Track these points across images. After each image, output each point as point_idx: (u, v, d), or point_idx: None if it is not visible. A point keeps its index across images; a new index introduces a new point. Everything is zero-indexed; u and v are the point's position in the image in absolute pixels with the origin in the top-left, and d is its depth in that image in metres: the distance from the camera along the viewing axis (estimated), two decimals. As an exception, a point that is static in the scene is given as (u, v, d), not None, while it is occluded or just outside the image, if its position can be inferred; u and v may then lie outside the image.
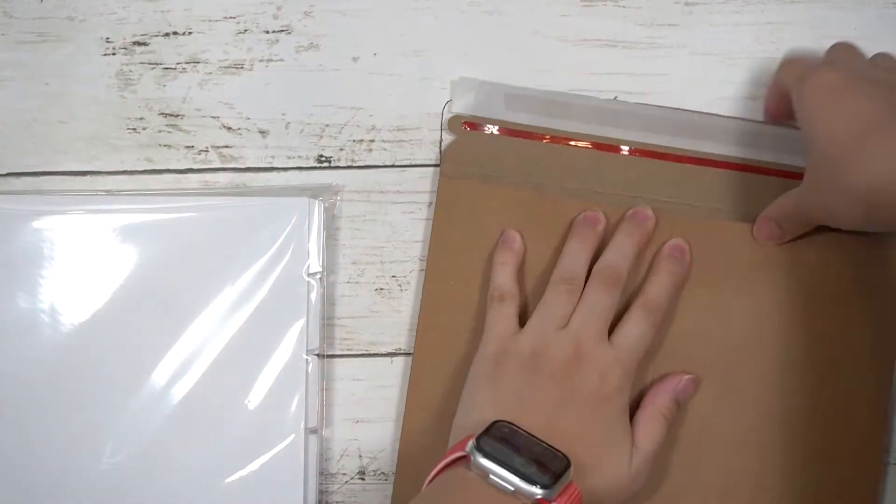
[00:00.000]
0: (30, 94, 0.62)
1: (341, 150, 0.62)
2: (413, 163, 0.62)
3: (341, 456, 0.60)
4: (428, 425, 0.58)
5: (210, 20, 0.63)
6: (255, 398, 0.58)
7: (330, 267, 0.61)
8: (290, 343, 0.58)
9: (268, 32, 0.63)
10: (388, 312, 0.61)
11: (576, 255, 0.57)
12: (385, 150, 0.62)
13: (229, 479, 0.58)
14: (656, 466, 0.55)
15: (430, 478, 0.50)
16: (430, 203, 0.61)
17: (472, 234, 0.59)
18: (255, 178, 0.62)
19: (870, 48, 0.61)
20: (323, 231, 0.60)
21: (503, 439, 0.49)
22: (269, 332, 0.59)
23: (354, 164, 0.62)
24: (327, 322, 0.60)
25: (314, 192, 0.61)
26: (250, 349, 0.58)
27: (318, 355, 0.59)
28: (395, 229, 0.61)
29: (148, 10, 0.63)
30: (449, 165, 0.60)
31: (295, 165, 0.62)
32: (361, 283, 0.61)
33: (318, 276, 0.59)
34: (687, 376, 0.57)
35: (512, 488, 0.47)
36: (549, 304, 0.55)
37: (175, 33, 0.63)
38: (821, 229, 0.57)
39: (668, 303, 0.56)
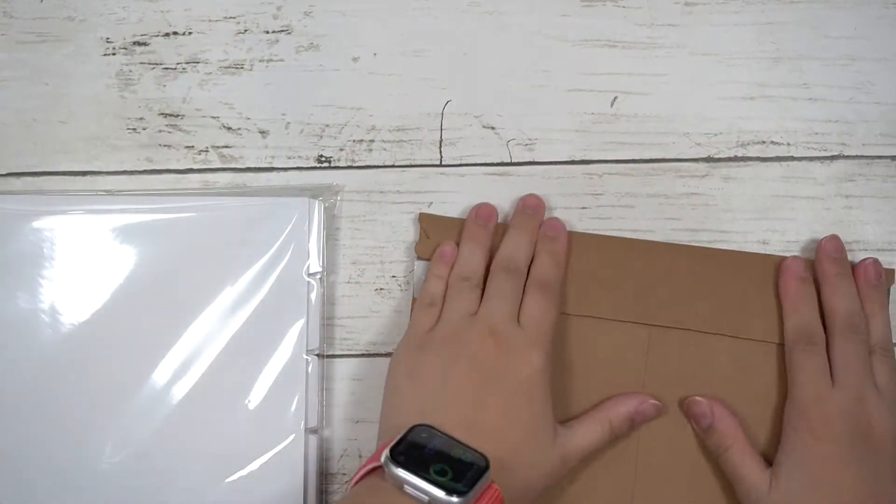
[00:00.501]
0: (30, 94, 0.62)
1: (341, 150, 0.62)
2: (413, 163, 0.62)
3: (341, 456, 0.60)
4: None
5: (210, 20, 0.63)
6: (255, 398, 0.58)
7: (330, 267, 0.61)
8: (290, 343, 0.58)
9: (268, 32, 0.63)
10: (388, 312, 0.61)
11: (471, 254, 0.58)
12: (385, 150, 0.62)
13: (229, 479, 0.58)
14: (578, 468, 0.55)
15: (351, 485, 0.50)
16: (431, 203, 0.61)
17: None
18: (255, 178, 0.62)
19: (870, 48, 0.61)
20: (323, 231, 0.60)
21: (419, 446, 0.48)
22: (269, 332, 0.59)
23: (354, 164, 0.62)
24: (327, 322, 0.60)
25: (314, 192, 0.61)
26: (250, 349, 0.58)
27: (318, 355, 0.59)
28: (394, 229, 0.61)
29: (148, 10, 0.63)
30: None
31: (295, 165, 0.62)
32: (361, 283, 0.61)
33: (319, 276, 0.59)
34: (652, 400, 0.57)
35: (427, 498, 0.46)
36: (454, 300, 0.56)
37: (175, 33, 0.63)
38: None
39: (556, 280, 0.57)
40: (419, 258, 0.60)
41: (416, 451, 0.48)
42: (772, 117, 0.61)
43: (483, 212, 0.59)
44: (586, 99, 0.62)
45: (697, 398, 0.57)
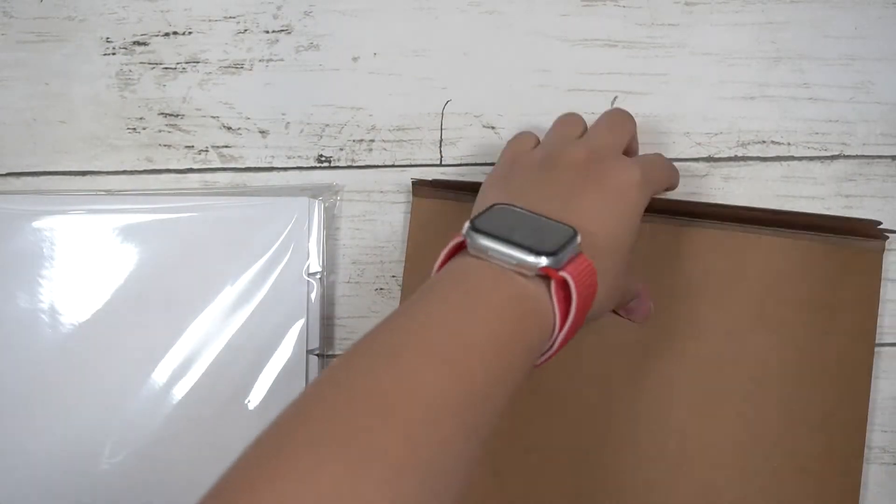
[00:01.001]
0: (30, 94, 0.62)
1: (341, 150, 0.62)
2: (413, 163, 0.62)
3: (341, 456, 0.60)
4: None
5: (210, 20, 0.63)
6: (255, 398, 0.58)
7: (330, 267, 0.61)
8: (290, 343, 0.58)
9: (268, 32, 0.62)
10: (388, 312, 0.60)
11: (574, 118, 0.56)
12: (385, 150, 0.62)
13: (229, 479, 0.58)
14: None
15: (434, 270, 0.46)
16: (430, 203, 0.61)
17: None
18: (255, 178, 0.62)
19: (870, 48, 0.61)
20: (323, 231, 0.60)
21: (503, 218, 0.45)
22: (270, 331, 0.59)
23: (354, 164, 0.62)
24: (327, 322, 0.60)
25: (314, 192, 0.61)
26: (250, 349, 0.58)
27: (318, 355, 0.59)
28: (394, 229, 0.61)
29: (148, 10, 0.63)
30: (421, 191, 0.60)
31: (295, 165, 0.62)
32: (361, 283, 0.61)
33: (318, 275, 0.59)
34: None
35: (514, 262, 0.43)
36: (557, 127, 0.54)
37: (175, 33, 0.63)
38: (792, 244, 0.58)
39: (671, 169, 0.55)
40: (415, 196, 0.60)
41: (500, 222, 0.45)
42: (772, 117, 0.61)
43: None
44: (586, 99, 0.62)
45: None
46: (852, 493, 0.57)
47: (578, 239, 0.44)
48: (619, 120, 0.55)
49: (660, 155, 0.55)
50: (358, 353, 0.41)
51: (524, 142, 0.55)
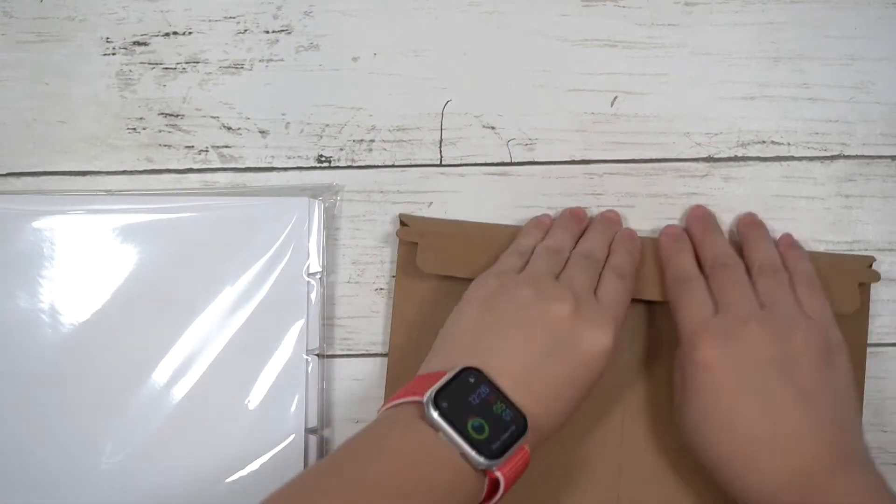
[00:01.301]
0: (30, 94, 0.62)
1: (341, 150, 0.62)
2: (413, 163, 0.62)
3: (341, 456, 0.60)
4: None
5: (210, 20, 0.63)
6: (255, 398, 0.58)
7: (330, 267, 0.61)
8: (290, 343, 0.58)
9: (268, 32, 0.62)
10: (387, 312, 0.61)
11: (561, 233, 0.58)
12: (385, 150, 0.62)
13: (229, 479, 0.58)
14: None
15: (386, 406, 0.49)
16: (431, 203, 0.61)
17: (439, 244, 0.59)
18: (255, 178, 0.62)
19: (870, 48, 0.61)
20: (323, 231, 0.60)
21: (464, 392, 0.48)
22: (269, 332, 0.59)
23: (354, 164, 0.62)
24: (327, 322, 0.60)
25: (314, 192, 0.61)
26: (250, 349, 0.58)
27: (318, 355, 0.59)
28: (395, 229, 0.61)
29: (148, 10, 0.63)
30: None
31: (295, 165, 0.62)
32: (361, 283, 0.61)
33: (318, 276, 0.59)
34: None
35: (459, 451, 0.47)
36: (541, 260, 0.55)
37: (175, 33, 0.63)
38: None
39: (631, 272, 0.57)
40: (402, 240, 0.60)
41: (459, 397, 0.48)
42: (772, 117, 0.61)
43: (577, 211, 0.60)
44: (586, 99, 0.62)
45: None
46: None
47: (526, 436, 0.48)
48: (594, 248, 0.57)
49: (622, 281, 0.56)
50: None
51: (514, 262, 0.56)
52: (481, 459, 0.46)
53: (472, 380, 0.49)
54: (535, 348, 0.51)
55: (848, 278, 0.58)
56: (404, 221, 0.60)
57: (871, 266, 0.60)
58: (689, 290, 0.55)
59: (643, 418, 0.58)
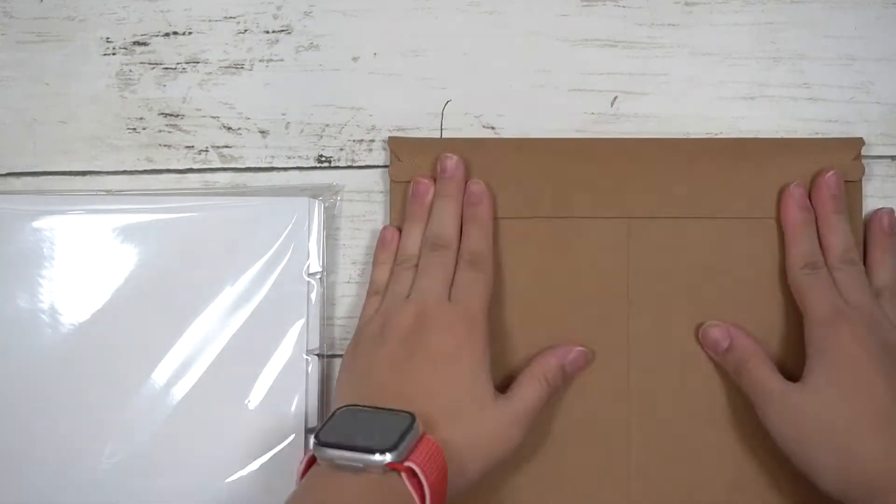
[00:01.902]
0: (30, 94, 0.62)
1: (341, 150, 0.62)
2: (413, 163, 0.62)
3: (341, 456, 0.60)
4: None
5: (210, 20, 0.63)
6: (255, 398, 0.58)
7: (330, 267, 0.61)
8: (290, 343, 0.58)
9: (268, 32, 0.62)
10: (388, 312, 0.61)
11: (408, 235, 0.58)
12: (385, 150, 0.62)
13: (229, 479, 0.57)
14: (534, 429, 0.55)
15: (296, 480, 0.50)
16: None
17: None
18: (255, 178, 0.62)
19: (870, 48, 0.61)
20: (323, 231, 0.60)
21: (345, 423, 0.49)
22: (270, 332, 0.59)
23: (354, 164, 0.62)
24: (327, 322, 0.60)
25: (314, 192, 0.61)
26: (250, 349, 0.58)
27: (318, 355, 0.59)
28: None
29: (148, 10, 0.63)
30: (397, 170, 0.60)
31: (295, 165, 0.62)
32: (361, 283, 0.61)
33: (318, 276, 0.59)
34: (578, 348, 0.57)
35: (361, 465, 0.47)
36: (393, 285, 0.57)
37: (175, 33, 0.63)
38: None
39: (485, 248, 0.57)
40: (393, 181, 0.60)
41: (342, 428, 0.48)
42: (772, 117, 0.61)
43: (418, 190, 0.59)
44: (586, 99, 0.62)
45: (713, 323, 0.57)
46: None
47: (417, 424, 0.48)
48: (440, 234, 0.57)
49: (475, 271, 0.56)
50: None
51: (371, 309, 0.57)
52: (381, 457, 0.46)
53: (347, 414, 0.50)
54: (396, 366, 0.52)
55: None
56: (396, 151, 0.60)
57: (858, 154, 0.59)
58: (821, 279, 0.56)
59: (649, 367, 0.58)
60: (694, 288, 0.58)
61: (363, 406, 0.50)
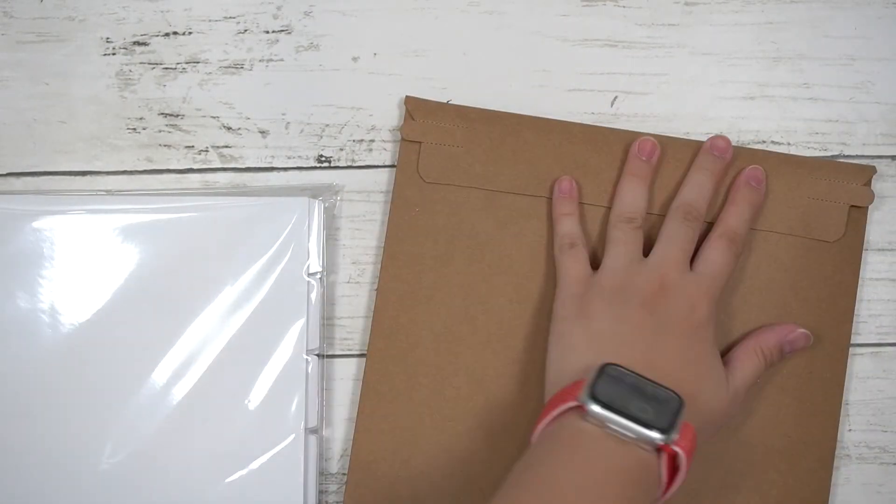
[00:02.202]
0: (30, 94, 0.62)
1: (341, 150, 0.62)
2: (413, 163, 0.62)
3: (341, 456, 0.60)
4: (382, 427, 0.59)
5: (210, 20, 0.63)
6: (255, 398, 0.58)
7: (330, 267, 0.61)
8: (290, 343, 0.58)
9: (268, 32, 0.62)
10: (388, 312, 0.61)
11: (633, 192, 0.57)
12: (385, 150, 0.62)
13: (229, 479, 0.58)
14: (748, 399, 0.55)
15: (538, 429, 0.49)
16: (430, 203, 0.61)
17: (425, 235, 0.59)
18: (255, 178, 0.62)
19: (870, 48, 0.61)
20: (323, 231, 0.60)
21: (615, 384, 0.48)
22: (270, 331, 0.59)
23: (354, 164, 0.62)
24: (327, 322, 0.60)
25: (314, 192, 0.61)
26: (250, 349, 0.58)
27: (318, 355, 0.59)
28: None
29: (148, 10, 0.63)
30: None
31: (295, 165, 0.62)
32: (361, 283, 0.61)
33: (318, 276, 0.59)
34: (801, 330, 0.57)
35: (633, 435, 0.47)
36: (619, 243, 0.56)
37: (175, 33, 0.63)
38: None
39: (746, 232, 0.57)
40: (404, 139, 0.60)
41: (614, 388, 0.48)
42: (772, 117, 0.61)
43: (646, 146, 0.58)
44: (586, 99, 0.62)
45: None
46: (826, 476, 0.58)
47: (684, 409, 0.48)
48: (694, 201, 0.56)
49: (730, 248, 0.55)
50: None
51: (581, 264, 0.56)
52: (658, 435, 0.46)
53: (615, 374, 0.49)
54: (645, 334, 0.52)
55: (836, 198, 0.58)
56: (411, 111, 0.60)
57: (869, 181, 0.59)
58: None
59: None
60: None
61: (631, 371, 0.49)
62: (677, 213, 0.56)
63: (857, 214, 0.59)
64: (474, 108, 0.61)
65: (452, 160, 0.59)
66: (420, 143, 0.60)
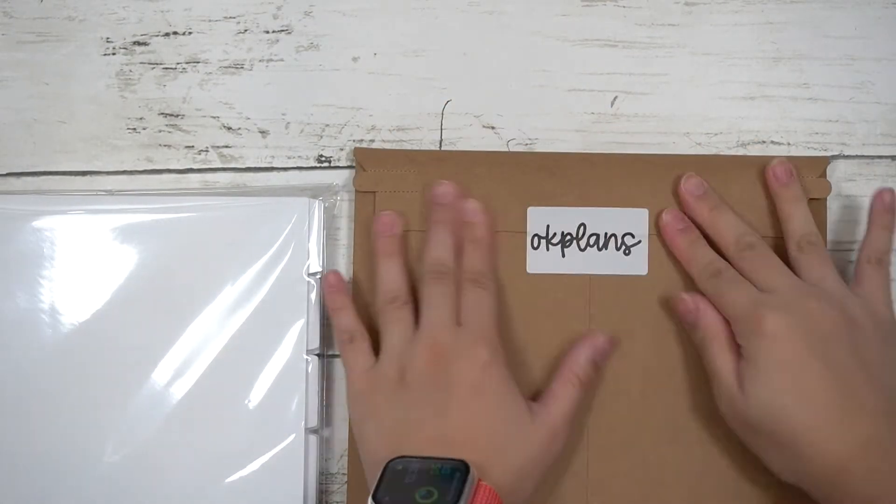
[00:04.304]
0: (30, 94, 0.62)
1: (341, 150, 0.62)
2: (413, 163, 0.62)
3: (341, 456, 0.60)
4: None
5: (210, 20, 0.63)
6: (255, 398, 0.58)
7: (330, 266, 0.61)
8: (291, 343, 0.58)
9: (268, 32, 0.62)
10: (388, 312, 0.61)
11: (387, 272, 0.57)
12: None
13: (229, 479, 0.57)
14: (576, 429, 0.56)
15: None
16: (430, 203, 0.61)
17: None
18: (255, 178, 0.62)
19: (870, 48, 0.61)
20: (323, 231, 0.60)
21: (398, 478, 0.48)
22: (270, 332, 0.59)
23: (354, 164, 0.62)
24: (327, 322, 0.60)
25: (314, 192, 0.61)
26: (250, 349, 0.58)
27: (318, 355, 0.59)
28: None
29: (148, 10, 0.63)
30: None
31: (295, 165, 0.62)
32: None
33: (318, 275, 0.59)
34: (603, 337, 0.57)
35: None
36: (389, 325, 0.56)
37: (175, 33, 0.63)
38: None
39: (488, 267, 0.57)
40: (357, 191, 0.60)
41: (396, 485, 0.48)
42: (772, 117, 0.61)
43: (384, 221, 0.58)
44: (586, 99, 0.62)
45: (683, 295, 0.56)
46: None
47: (473, 472, 0.48)
48: (438, 258, 0.56)
49: (480, 289, 0.56)
50: None
51: (363, 357, 0.56)
52: None
53: (399, 467, 0.49)
54: (429, 411, 0.52)
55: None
56: (361, 162, 0.60)
57: (824, 172, 0.59)
58: (726, 281, 0.55)
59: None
60: (653, 306, 0.59)
61: (412, 457, 0.49)
62: (429, 276, 0.56)
63: (817, 207, 0.59)
64: (425, 150, 0.61)
65: (407, 206, 0.59)
66: (374, 192, 0.60)
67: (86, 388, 0.58)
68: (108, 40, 0.63)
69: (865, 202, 0.60)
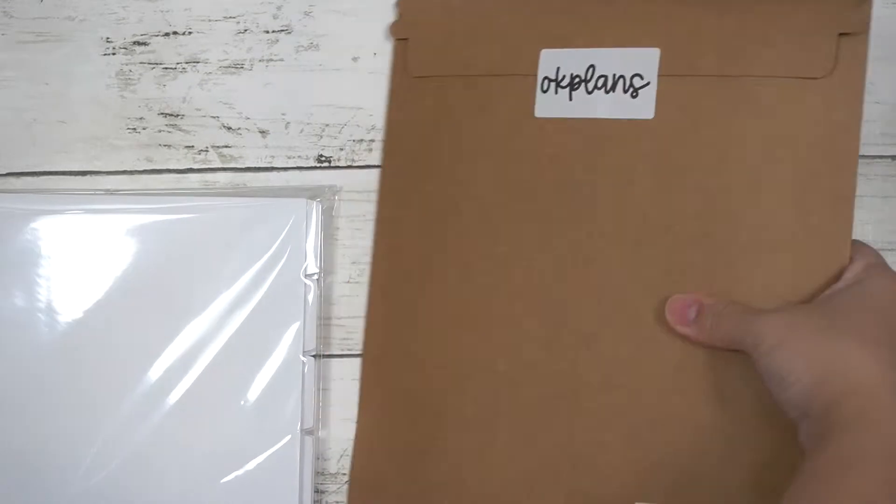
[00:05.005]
0: (30, 94, 0.62)
1: (341, 150, 0.62)
2: (412, 163, 0.62)
3: (341, 456, 0.60)
4: (382, 424, 0.59)
5: (210, 20, 0.63)
6: (251, 398, 0.58)
7: (329, 267, 0.61)
8: (287, 344, 0.58)
9: (268, 32, 0.63)
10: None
11: None
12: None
13: (225, 480, 0.58)
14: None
15: None
16: (430, 203, 0.61)
17: (418, 227, 0.59)
18: (255, 178, 0.62)
19: (870, 48, 0.61)
20: (321, 232, 0.60)
21: None
22: (266, 333, 0.59)
23: (354, 164, 0.62)
24: (326, 322, 0.60)
25: (313, 193, 0.61)
26: (247, 350, 0.58)
27: (314, 356, 0.59)
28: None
29: (148, 10, 0.63)
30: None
31: (295, 165, 0.62)
32: (361, 283, 0.61)
33: (316, 277, 0.59)
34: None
35: None
36: None
37: (175, 33, 0.63)
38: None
39: None
40: (396, 39, 0.61)
41: None
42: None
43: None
44: (586, 99, 0.62)
45: (676, 296, 0.53)
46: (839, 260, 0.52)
47: None
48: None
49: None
50: None
51: None
52: None
53: None
54: None
55: (821, 27, 0.52)
56: (402, 11, 0.61)
57: (864, 3, 0.53)
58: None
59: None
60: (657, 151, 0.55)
61: None
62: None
63: (852, 43, 0.53)
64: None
65: (439, 50, 0.59)
66: (407, 39, 0.60)
67: (82, 387, 0.58)
68: (107, 40, 0.63)
69: (866, 202, 0.60)
